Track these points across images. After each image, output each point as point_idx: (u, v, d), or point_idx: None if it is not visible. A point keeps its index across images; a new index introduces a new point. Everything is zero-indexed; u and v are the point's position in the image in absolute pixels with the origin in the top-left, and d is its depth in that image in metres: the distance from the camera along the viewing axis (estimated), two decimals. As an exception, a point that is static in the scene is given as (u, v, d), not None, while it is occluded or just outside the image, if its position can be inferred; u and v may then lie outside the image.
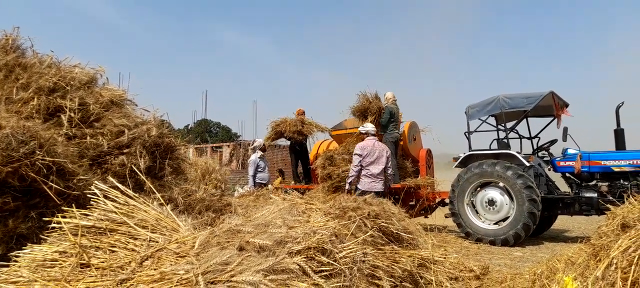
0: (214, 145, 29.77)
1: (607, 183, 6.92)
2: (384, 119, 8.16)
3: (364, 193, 5.74)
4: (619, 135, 7.06)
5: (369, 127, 6.82)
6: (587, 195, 6.92)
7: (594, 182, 7.10)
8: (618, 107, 7.03)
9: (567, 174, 7.41)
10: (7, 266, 1.95)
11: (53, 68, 3.53)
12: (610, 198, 6.47)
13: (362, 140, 6.71)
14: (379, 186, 6.41)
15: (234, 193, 9.71)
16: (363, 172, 6.46)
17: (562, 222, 9.79)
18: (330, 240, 2.42)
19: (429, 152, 9.06)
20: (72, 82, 3.47)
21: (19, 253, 2.03)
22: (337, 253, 2.42)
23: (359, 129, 7.08)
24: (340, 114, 9.43)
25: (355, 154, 6.53)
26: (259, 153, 9.09)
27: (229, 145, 28.11)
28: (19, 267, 1.93)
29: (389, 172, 6.60)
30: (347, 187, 6.74)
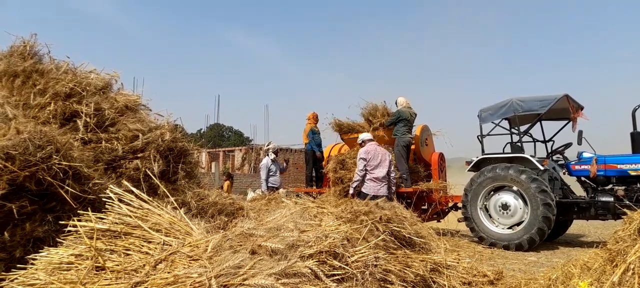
0: (227, 149, 29.94)
1: (623, 187, 6.80)
2: (390, 120, 8.26)
3: (372, 197, 5.78)
4: (636, 138, 6.94)
5: (365, 135, 7.02)
6: (603, 199, 6.81)
7: (610, 186, 6.99)
8: (634, 110, 6.92)
9: (583, 178, 7.31)
10: (25, 269, 1.99)
11: (69, 74, 3.59)
12: (627, 202, 6.37)
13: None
14: (384, 190, 6.50)
15: (247, 197, 9.76)
16: (368, 177, 6.55)
17: (578, 226, 9.65)
18: (342, 244, 2.42)
19: (441, 155, 9.00)
20: (87, 88, 3.53)
21: (36, 256, 2.06)
22: (349, 257, 2.41)
23: (358, 140, 7.28)
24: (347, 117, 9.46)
25: (360, 158, 6.65)
26: (272, 156, 9.13)
27: (241, 149, 28.25)
28: (36, 269, 1.96)
29: (392, 175, 6.68)
30: (351, 191, 6.84)
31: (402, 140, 8.11)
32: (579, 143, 7.19)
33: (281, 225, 2.43)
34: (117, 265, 1.92)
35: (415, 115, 8.50)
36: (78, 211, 2.27)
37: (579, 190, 7.67)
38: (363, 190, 6.53)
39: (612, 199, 6.72)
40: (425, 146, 9.04)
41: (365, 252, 2.59)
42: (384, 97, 8.94)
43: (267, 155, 9.28)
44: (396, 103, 8.60)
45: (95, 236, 2.03)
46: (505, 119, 8.17)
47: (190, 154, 3.76)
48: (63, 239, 2.14)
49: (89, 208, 2.22)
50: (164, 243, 2.05)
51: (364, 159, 6.55)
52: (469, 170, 7.99)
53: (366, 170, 6.53)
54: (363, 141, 6.94)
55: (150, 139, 3.37)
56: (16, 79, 3.42)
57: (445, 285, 3.28)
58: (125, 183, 2.40)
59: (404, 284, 2.91)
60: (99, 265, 1.92)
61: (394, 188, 6.80)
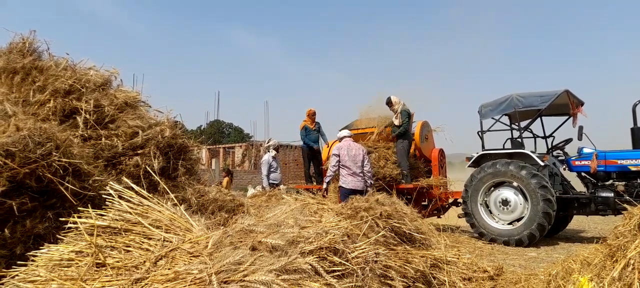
0: (227, 146, 29.94)
1: (623, 183, 6.80)
2: (405, 123, 8.13)
3: (352, 191, 6.07)
4: (636, 133, 6.94)
5: (343, 132, 7.12)
6: (604, 194, 6.82)
7: (610, 182, 6.99)
8: (635, 105, 6.91)
9: (583, 174, 7.31)
10: (25, 265, 1.99)
11: (69, 70, 3.58)
12: (627, 197, 6.37)
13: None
14: (361, 184, 6.60)
15: (247, 193, 9.76)
16: (345, 172, 6.66)
17: (578, 222, 9.65)
18: (342, 240, 2.42)
19: (441, 151, 9.00)
20: (87, 84, 3.52)
21: (36, 253, 2.06)
22: (349, 253, 2.42)
23: (337, 136, 7.44)
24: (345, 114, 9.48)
25: (333, 155, 6.78)
26: (273, 153, 9.14)
27: (241, 146, 28.25)
28: (37, 266, 1.96)
29: (367, 168, 6.76)
30: (324, 185, 6.99)
31: (404, 137, 8.13)
32: (580, 139, 7.18)
33: (281, 221, 2.44)
34: (118, 262, 1.92)
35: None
36: (78, 208, 2.27)
37: (579, 186, 7.68)
38: (342, 185, 6.66)
39: (612, 195, 6.73)
40: (426, 142, 9.04)
41: (365, 248, 2.59)
42: (384, 96, 8.90)
43: (268, 151, 9.28)
44: (392, 102, 8.48)
45: (96, 233, 2.02)
46: (506, 114, 8.16)
47: (191, 151, 3.76)
48: (63, 236, 2.14)
49: (89, 205, 2.21)
50: (164, 240, 2.05)
51: (337, 155, 6.70)
52: (469, 166, 7.99)
53: (339, 165, 6.68)
54: (340, 138, 7.07)
55: (150, 136, 3.37)
56: (15, 75, 3.41)
57: (445, 281, 3.28)
58: (125, 180, 2.40)
59: (404, 280, 2.91)
60: (100, 261, 1.92)
61: (369, 181, 6.87)
